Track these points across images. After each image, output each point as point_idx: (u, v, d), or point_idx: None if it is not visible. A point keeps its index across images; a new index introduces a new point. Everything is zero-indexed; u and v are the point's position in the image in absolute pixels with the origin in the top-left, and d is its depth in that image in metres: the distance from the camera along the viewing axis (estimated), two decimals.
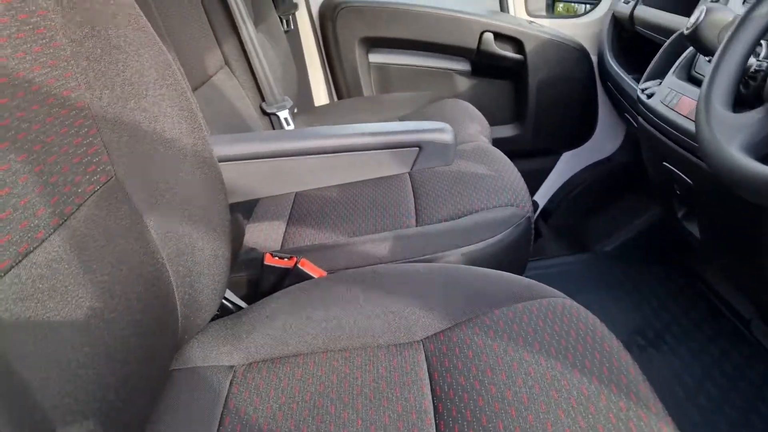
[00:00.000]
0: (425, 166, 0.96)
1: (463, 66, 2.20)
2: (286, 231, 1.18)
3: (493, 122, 2.22)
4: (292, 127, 1.54)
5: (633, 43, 2.00)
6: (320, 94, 2.19)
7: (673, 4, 1.82)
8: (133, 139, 0.75)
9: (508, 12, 2.19)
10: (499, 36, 2.08)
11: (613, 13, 2.04)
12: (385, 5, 2.06)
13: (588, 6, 2.61)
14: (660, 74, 1.47)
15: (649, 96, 1.40)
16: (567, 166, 2.37)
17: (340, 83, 2.16)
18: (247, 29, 1.46)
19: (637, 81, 1.84)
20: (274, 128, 1.53)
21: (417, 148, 0.95)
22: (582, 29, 2.19)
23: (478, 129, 1.69)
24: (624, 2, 1.96)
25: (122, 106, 0.75)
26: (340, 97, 2.18)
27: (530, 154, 2.29)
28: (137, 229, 0.73)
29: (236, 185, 0.94)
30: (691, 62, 1.30)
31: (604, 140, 2.31)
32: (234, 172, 0.93)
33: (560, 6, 2.57)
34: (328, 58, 2.15)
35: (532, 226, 1.18)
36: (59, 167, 0.60)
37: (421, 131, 0.95)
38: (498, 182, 1.26)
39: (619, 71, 1.91)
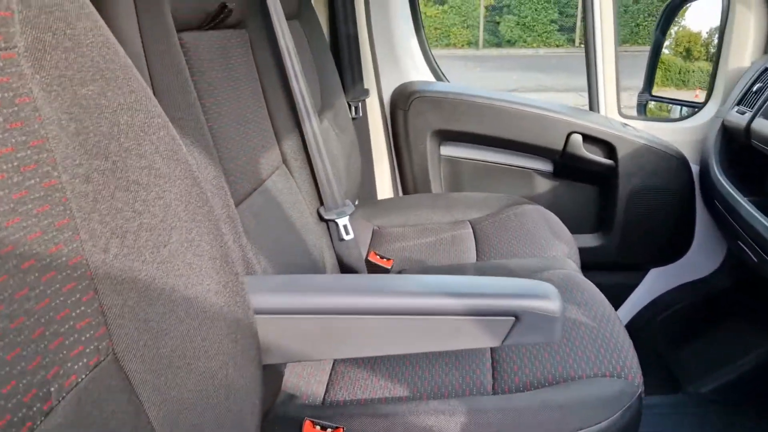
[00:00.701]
0: (521, 342, 0.74)
1: (545, 166, 1.99)
2: (330, 378, 0.97)
3: (574, 230, 1.98)
4: (351, 236, 1.34)
5: (745, 156, 1.75)
6: (384, 187, 2.01)
7: None
8: (143, 302, 0.56)
9: (599, 112, 1.98)
10: (588, 138, 1.87)
11: (723, 122, 1.80)
12: (463, 97, 1.89)
13: (685, 109, 2.39)
14: None
15: None
16: (655, 284, 2.09)
17: (407, 176, 1.98)
18: (311, 123, 1.30)
19: (751, 200, 1.58)
20: (331, 236, 1.34)
21: (512, 318, 0.73)
22: (682, 135, 1.96)
23: (564, 250, 1.46)
24: (738, 112, 1.73)
25: (134, 259, 0.56)
26: (405, 192, 2.00)
27: (614, 267, 2.03)
28: (136, 426, 0.53)
29: (274, 344, 0.74)
30: None
31: (700, 259, 2.03)
32: (273, 327, 0.74)
33: (651, 104, 2.35)
34: (396, 148, 1.98)
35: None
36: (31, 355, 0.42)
37: (519, 296, 0.74)
38: (599, 338, 1.02)
39: (728, 188, 1.66)
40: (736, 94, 1.79)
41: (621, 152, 1.86)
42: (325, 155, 1.33)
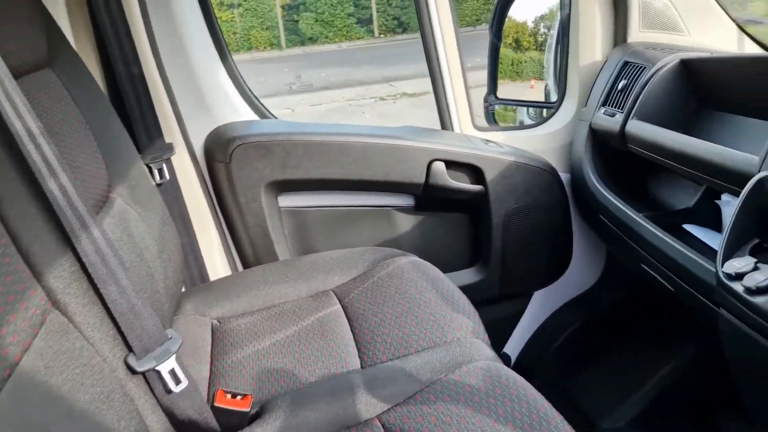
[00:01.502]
0: None
1: (406, 201, 1.68)
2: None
3: (448, 267, 1.70)
4: (184, 383, 0.91)
5: (621, 161, 1.58)
6: (217, 264, 1.57)
7: (668, 115, 1.41)
8: None
9: (452, 128, 1.71)
10: (451, 164, 1.59)
11: (590, 126, 1.61)
12: (297, 137, 1.51)
13: (531, 110, 2.22)
14: (740, 238, 1.00)
15: (739, 276, 0.92)
16: (540, 307, 1.89)
17: (244, 244, 1.56)
18: (86, 225, 0.85)
19: (631, 206, 1.40)
20: (153, 390, 0.90)
21: None
22: (545, 142, 1.75)
23: (466, 324, 1.16)
24: (606, 114, 1.54)
25: None
26: (246, 264, 1.58)
27: (496, 299, 1.78)
28: None
29: None
30: None
31: (581, 273, 1.86)
32: None
33: (496, 108, 2.14)
34: (224, 211, 1.55)
35: None
36: None
37: None
38: None
39: (608, 195, 1.47)
40: (599, 92, 1.60)
41: (489, 175, 1.60)
42: (120, 267, 0.88)
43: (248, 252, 1.56)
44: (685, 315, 1.47)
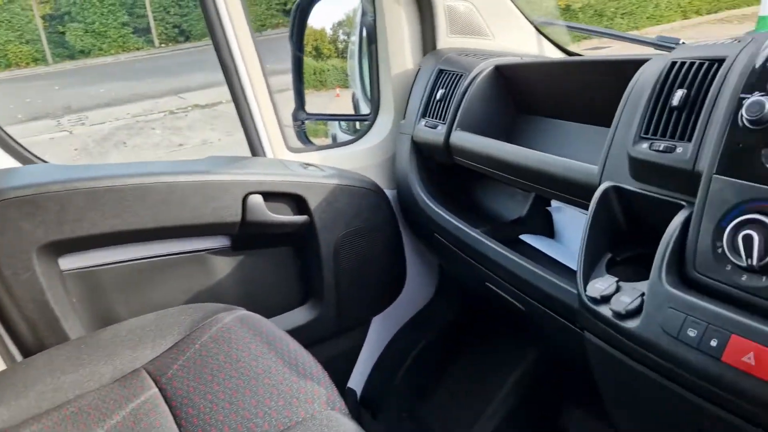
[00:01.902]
0: None
1: (222, 243, 1.45)
2: None
3: (277, 310, 1.51)
4: None
5: (447, 174, 1.51)
6: None
7: (491, 123, 1.37)
8: None
9: (265, 154, 1.52)
10: (270, 195, 1.39)
11: (412, 139, 1.52)
12: (79, 183, 1.21)
13: (344, 124, 2.09)
14: (595, 254, 0.95)
15: (605, 299, 0.87)
16: (379, 334, 1.78)
17: (19, 328, 1.22)
18: None
19: (466, 221, 1.34)
20: None
21: None
22: (365, 159, 1.64)
23: (317, 391, 0.99)
24: (427, 126, 1.46)
25: None
26: (26, 353, 1.24)
27: (334, 335, 1.63)
28: None
29: None
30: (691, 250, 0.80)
31: (417, 291, 1.78)
32: None
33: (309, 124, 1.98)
34: None
35: None
36: None
37: None
38: None
39: (443, 213, 1.40)
40: (417, 103, 1.52)
41: (313, 202, 1.43)
42: None
43: (26, 336, 1.23)
44: (527, 322, 1.45)
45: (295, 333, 1.50)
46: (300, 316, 1.55)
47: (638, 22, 10.23)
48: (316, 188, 1.43)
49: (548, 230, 1.35)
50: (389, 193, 1.61)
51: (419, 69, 1.57)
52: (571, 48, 1.72)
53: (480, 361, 1.70)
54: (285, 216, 1.42)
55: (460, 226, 1.33)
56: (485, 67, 1.38)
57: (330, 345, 1.62)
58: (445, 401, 1.67)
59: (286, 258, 1.53)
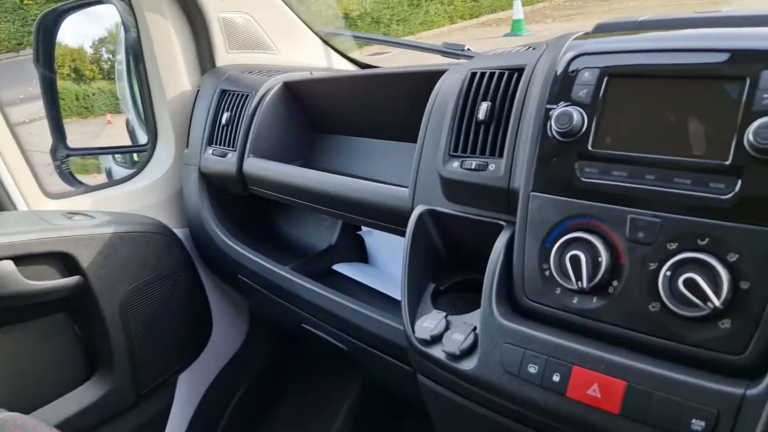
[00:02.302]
0: None
1: None
2: None
3: (56, 393, 1.24)
4: None
5: (242, 205, 1.36)
6: None
7: (287, 147, 1.25)
8: None
9: (15, 206, 1.23)
10: (25, 259, 1.12)
11: (200, 171, 1.33)
12: None
13: (118, 156, 1.82)
14: (418, 285, 0.87)
15: (435, 339, 0.79)
16: (189, 392, 1.56)
17: None
18: None
19: (273, 257, 1.21)
20: None
21: None
22: (147, 197, 1.41)
23: None
24: (215, 154, 1.28)
25: None
26: None
27: (136, 404, 1.39)
28: None
29: None
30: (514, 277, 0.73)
31: (225, 336, 1.59)
32: None
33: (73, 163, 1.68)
34: None
35: None
36: None
37: None
38: None
39: (245, 252, 1.25)
40: (200, 129, 1.33)
41: (85, 259, 1.19)
42: None
43: None
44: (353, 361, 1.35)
45: (81, 416, 1.24)
46: (85, 395, 1.28)
47: (412, 27, 10.82)
48: (86, 241, 1.18)
49: (362, 255, 1.26)
50: (181, 232, 1.40)
51: (198, 90, 1.38)
52: (354, 54, 1.65)
53: (307, 396, 1.56)
54: (49, 281, 1.15)
55: (266, 264, 1.18)
56: (273, 84, 1.24)
57: (131, 417, 1.38)
58: None
59: (58, 329, 1.25)
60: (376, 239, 1.22)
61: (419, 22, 11.10)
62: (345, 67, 1.57)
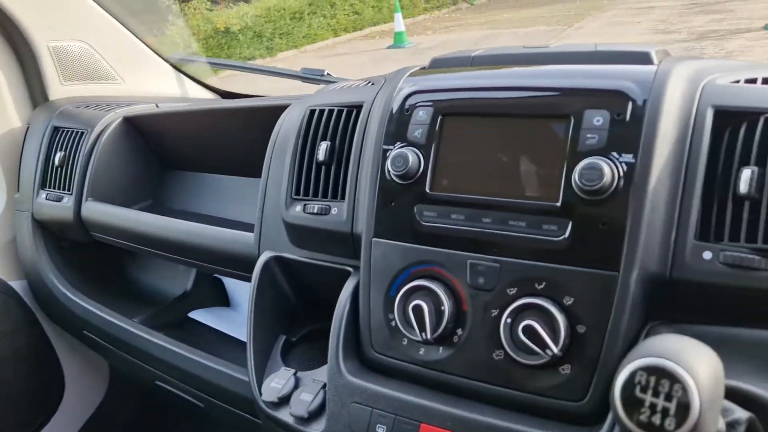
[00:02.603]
0: None
1: None
2: None
3: None
4: None
5: (85, 253, 1.24)
6: None
7: (133, 188, 1.16)
8: None
9: None
10: None
11: (33, 217, 1.19)
12: None
13: None
14: (267, 342, 0.81)
15: (283, 401, 0.73)
16: None
17: None
18: None
19: (121, 309, 1.11)
20: None
21: None
22: None
23: None
24: (50, 199, 1.16)
25: None
26: None
27: None
28: None
29: None
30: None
31: (81, 394, 1.44)
32: None
33: None
34: None
35: None
36: None
37: None
38: None
39: (89, 306, 1.14)
40: (31, 171, 1.21)
41: None
42: None
43: None
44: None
45: None
46: None
47: (296, 41, 10.72)
48: None
49: (221, 298, 1.18)
50: (18, 285, 1.26)
51: (28, 127, 1.24)
52: (212, 80, 1.56)
53: None
54: None
55: (112, 319, 1.07)
56: (112, 120, 1.14)
57: None
58: None
59: None
60: (236, 282, 1.14)
61: (302, 35, 11.03)
62: (200, 94, 1.48)
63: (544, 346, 0.57)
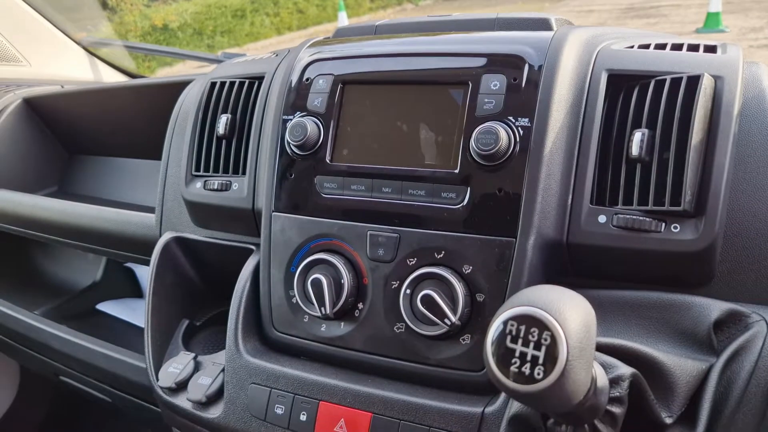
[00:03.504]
0: None
1: None
2: None
3: None
4: None
5: None
6: None
7: (33, 173, 1.10)
8: None
9: None
10: None
11: None
12: None
13: None
14: (168, 325, 0.76)
15: (181, 387, 0.69)
16: None
17: None
18: None
19: (20, 301, 1.05)
20: None
21: None
22: None
23: None
24: None
25: None
26: None
27: None
28: None
29: None
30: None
31: None
32: None
33: None
34: None
35: None
36: None
37: None
38: None
39: None
40: None
41: None
42: None
43: None
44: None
45: None
46: None
47: (238, 39, 10.52)
48: None
49: (132, 288, 1.12)
50: None
51: None
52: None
53: None
54: None
55: (11, 312, 1.00)
56: (10, 101, 1.07)
57: None
58: None
59: None
60: (147, 270, 1.09)
61: (245, 33, 10.85)
62: (115, 78, 1.42)
63: (442, 315, 0.56)
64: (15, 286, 1.09)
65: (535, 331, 0.34)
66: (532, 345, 0.34)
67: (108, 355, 0.87)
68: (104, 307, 1.06)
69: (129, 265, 1.11)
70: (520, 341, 0.34)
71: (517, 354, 0.34)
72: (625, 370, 0.44)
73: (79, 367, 0.93)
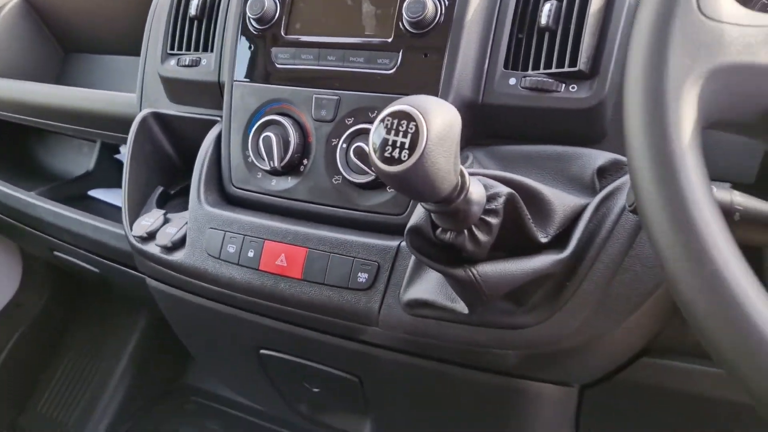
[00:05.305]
0: None
1: None
2: None
3: None
4: None
5: None
6: None
7: (29, 72, 1.18)
8: None
9: None
10: None
11: None
12: None
13: None
14: (143, 190, 0.86)
15: (151, 236, 0.78)
16: None
17: None
18: None
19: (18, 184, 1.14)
20: None
21: None
22: None
23: None
24: None
25: None
26: None
27: None
28: None
29: None
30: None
31: None
32: None
33: None
34: None
35: None
36: None
37: None
38: None
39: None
40: None
41: None
42: None
43: None
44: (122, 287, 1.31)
45: None
46: None
47: None
48: None
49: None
50: None
51: None
52: None
53: (92, 339, 1.50)
54: None
55: (8, 191, 1.10)
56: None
57: None
58: (58, 396, 1.44)
59: None
60: None
61: None
62: None
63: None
64: (13, 172, 1.18)
65: (404, 122, 0.42)
66: (401, 134, 0.42)
67: (96, 225, 0.97)
68: (95, 193, 1.15)
69: (119, 157, 1.20)
70: (392, 132, 0.42)
71: (389, 143, 0.42)
72: (503, 188, 0.51)
73: (71, 239, 1.03)
